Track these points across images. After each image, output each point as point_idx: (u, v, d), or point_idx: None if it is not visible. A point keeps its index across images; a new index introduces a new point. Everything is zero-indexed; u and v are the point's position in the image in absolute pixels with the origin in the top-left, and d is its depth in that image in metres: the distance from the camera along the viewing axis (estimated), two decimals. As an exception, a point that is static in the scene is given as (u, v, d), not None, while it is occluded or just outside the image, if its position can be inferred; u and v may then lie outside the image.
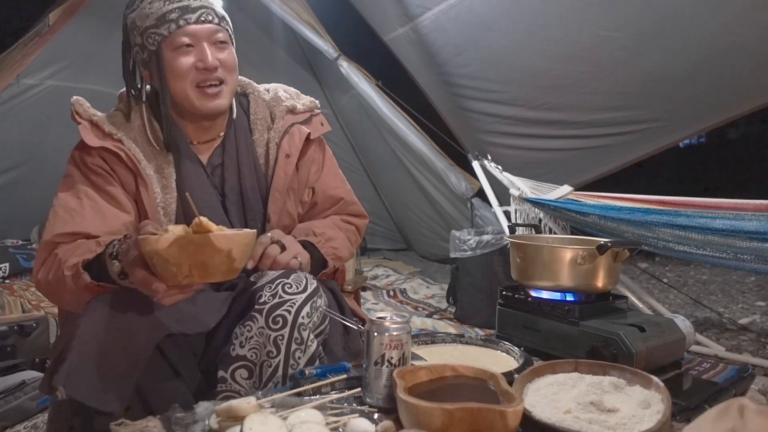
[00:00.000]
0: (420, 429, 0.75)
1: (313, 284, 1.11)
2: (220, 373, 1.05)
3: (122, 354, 0.97)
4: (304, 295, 1.08)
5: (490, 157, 3.26)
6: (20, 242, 3.93)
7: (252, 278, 1.18)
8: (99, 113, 1.22)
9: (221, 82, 1.21)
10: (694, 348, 2.37)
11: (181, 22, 1.15)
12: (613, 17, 2.87)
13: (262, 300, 1.07)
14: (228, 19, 1.24)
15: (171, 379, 1.05)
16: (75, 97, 1.22)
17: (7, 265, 3.43)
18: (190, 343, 1.10)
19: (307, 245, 1.24)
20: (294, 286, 1.09)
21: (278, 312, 1.06)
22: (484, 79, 3.51)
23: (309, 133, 1.33)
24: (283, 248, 1.17)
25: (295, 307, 1.07)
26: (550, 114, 3.49)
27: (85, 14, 3.24)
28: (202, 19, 1.17)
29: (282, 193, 1.29)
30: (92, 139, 1.17)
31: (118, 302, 1.01)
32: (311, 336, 1.09)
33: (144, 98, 1.25)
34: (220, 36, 1.20)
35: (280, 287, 1.08)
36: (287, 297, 1.07)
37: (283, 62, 4.51)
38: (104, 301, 1.01)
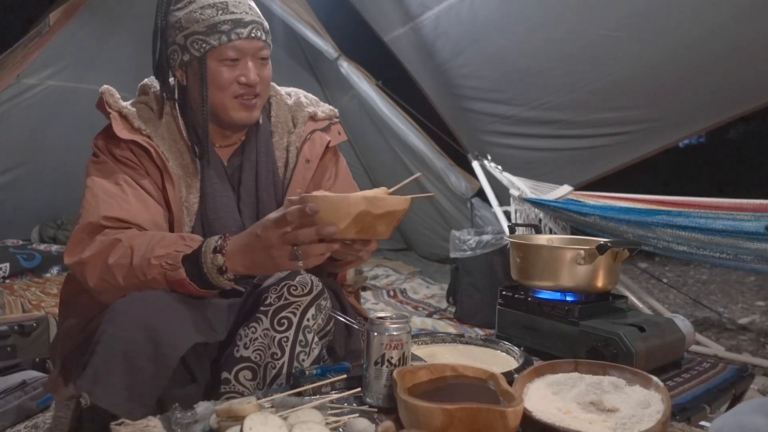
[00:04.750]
0: (420, 429, 0.76)
1: (318, 286, 1.11)
2: (224, 374, 1.04)
3: (149, 363, 0.96)
4: (309, 297, 1.08)
5: (490, 157, 3.26)
6: (20, 242, 3.94)
7: (256, 280, 1.18)
8: (128, 106, 1.21)
9: (256, 95, 1.21)
10: (694, 348, 2.37)
11: (233, 36, 1.15)
12: (613, 16, 2.87)
13: (267, 302, 1.07)
14: (270, 33, 1.24)
15: (188, 385, 1.05)
16: (105, 86, 1.21)
17: (7, 265, 3.43)
18: (208, 350, 1.10)
19: None
20: (299, 288, 1.08)
21: (283, 314, 1.06)
22: (484, 78, 3.51)
23: (329, 141, 1.34)
24: None
25: (301, 309, 1.07)
26: (550, 114, 3.49)
27: (85, 14, 3.24)
28: (252, 35, 1.17)
29: None
30: (122, 131, 1.16)
31: (144, 310, 1.00)
32: (316, 338, 1.09)
33: (174, 95, 1.24)
34: (265, 53, 1.20)
35: (285, 289, 1.08)
36: (292, 299, 1.07)
37: (283, 62, 4.51)
38: (130, 308, 1.00)
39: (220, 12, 1.15)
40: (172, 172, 1.18)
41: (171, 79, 1.25)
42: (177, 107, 1.24)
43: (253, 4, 1.22)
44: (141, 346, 0.96)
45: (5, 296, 2.78)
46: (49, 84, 3.68)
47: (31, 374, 1.90)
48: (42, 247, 3.82)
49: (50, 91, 3.69)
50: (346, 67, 3.51)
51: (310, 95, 1.41)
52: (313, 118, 1.35)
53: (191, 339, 1.00)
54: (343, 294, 1.30)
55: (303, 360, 1.07)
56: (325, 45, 3.50)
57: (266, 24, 1.22)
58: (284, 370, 1.05)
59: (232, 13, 1.16)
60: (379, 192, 1.01)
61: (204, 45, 1.15)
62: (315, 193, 0.96)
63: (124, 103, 1.21)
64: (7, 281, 3.37)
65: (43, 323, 2.11)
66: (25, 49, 3.08)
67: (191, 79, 1.20)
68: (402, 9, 3.38)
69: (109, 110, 1.18)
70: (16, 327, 2.02)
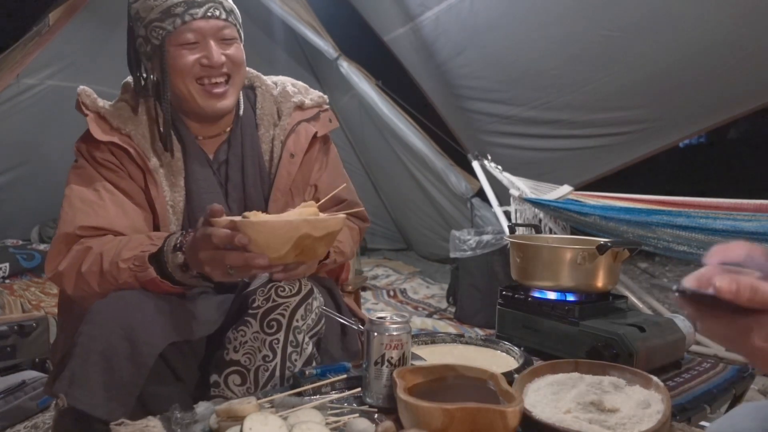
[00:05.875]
0: (420, 429, 0.75)
1: (306, 286, 1.10)
2: (213, 377, 1.04)
3: (126, 363, 0.95)
4: (297, 298, 1.07)
5: (490, 157, 3.26)
6: (20, 242, 3.94)
7: (246, 280, 1.17)
8: (106, 105, 1.18)
9: (228, 79, 1.16)
10: (694, 348, 2.36)
11: (187, 18, 1.09)
12: (613, 17, 2.88)
13: (255, 304, 1.05)
14: (237, 12, 1.18)
15: (172, 383, 1.04)
16: (81, 87, 1.18)
17: (7, 265, 3.43)
18: (192, 348, 1.09)
19: None
20: (287, 289, 1.07)
21: (272, 316, 1.04)
22: (484, 78, 3.51)
23: (316, 132, 1.29)
24: None
25: (289, 311, 1.06)
26: (550, 114, 3.50)
27: (85, 14, 3.24)
28: (209, 14, 1.11)
29: (284, 193, 1.26)
30: (100, 133, 1.13)
31: (121, 309, 0.99)
32: (306, 338, 1.08)
33: (150, 91, 1.20)
34: (227, 33, 1.14)
35: (273, 291, 1.06)
36: (281, 300, 1.06)
37: (283, 62, 4.51)
38: (106, 308, 1.00)
39: None
40: (154, 171, 1.15)
41: (152, 76, 1.21)
42: (153, 104, 1.20)
43: None
44: (117, 345, 0.95)
45: (5, 296, 2.78)
46: (49, 84, 3.67)
47: (31, 374, 1.90)
48: (42, 247, 3.82)
49: (50, 91, 3.69)
50: (346, 67, 3.52)
51: (298, 83, 1.36)
52: (300, 107, 1.30)
53: (169, 337, 0.99)
54: (337, 292, 1.28)
55: (295, 360, 1.06)
56: (325, 45, 3.50)
57: (229, 3, 1.16)
58: (277, 372, 1.04)
59: None
60: (311, 209, 0.97)
61: (161, 32, 1.11)
62: (252, 217, 0.90)
63: (103, 103, 1.18)
64: (7, 281, 3.36)
65: (43, 323, 2.11)
66: (25, 49, 3.08)
67: (157, 70, 1.16)
68: (402, 9, 3.38)
69: (86, 112, 1.15)
70: (15, 327, 2.02)
